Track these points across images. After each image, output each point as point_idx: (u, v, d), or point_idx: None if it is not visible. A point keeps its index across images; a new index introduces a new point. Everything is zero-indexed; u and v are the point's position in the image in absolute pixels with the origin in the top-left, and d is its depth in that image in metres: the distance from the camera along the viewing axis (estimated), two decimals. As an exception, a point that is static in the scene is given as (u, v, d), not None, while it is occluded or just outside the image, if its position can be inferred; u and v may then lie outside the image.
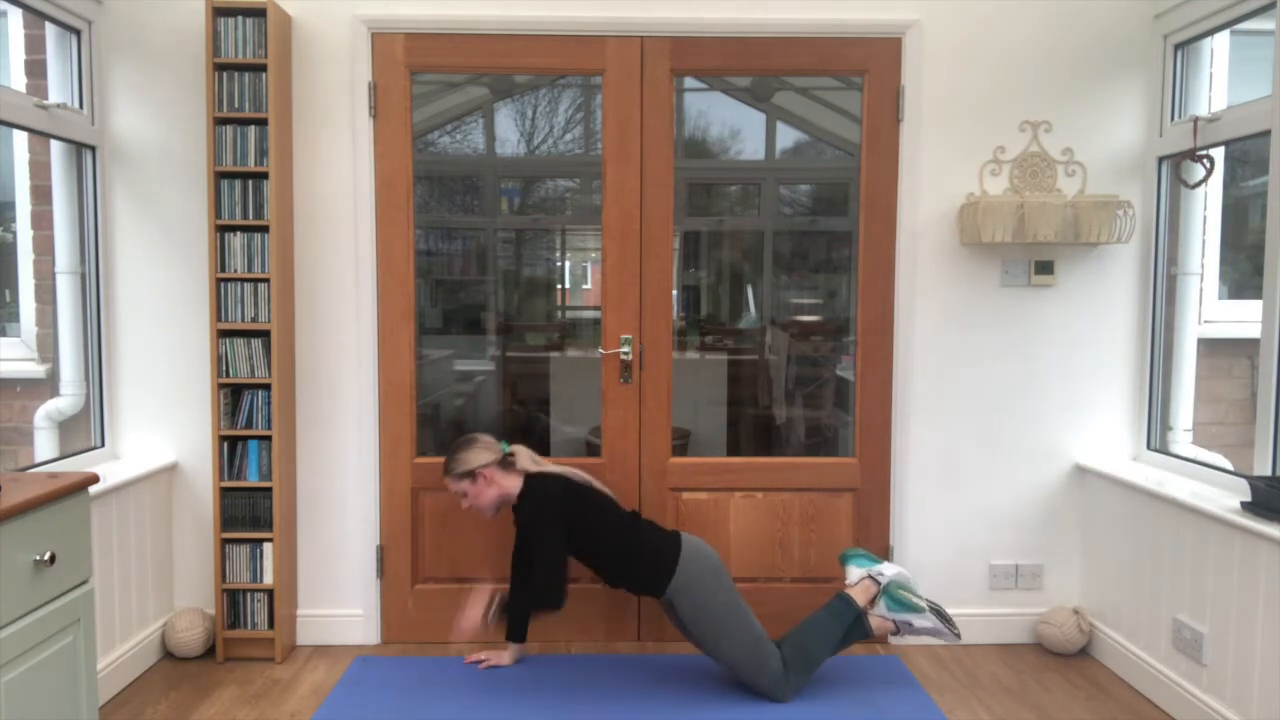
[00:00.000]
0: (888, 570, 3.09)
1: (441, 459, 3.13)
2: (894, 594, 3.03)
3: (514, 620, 3.20)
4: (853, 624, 3.00)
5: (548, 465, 3.13)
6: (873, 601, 3.05)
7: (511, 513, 3.10)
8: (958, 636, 3.02)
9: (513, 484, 3.05)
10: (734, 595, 2.98)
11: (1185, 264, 3.45)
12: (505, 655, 3.23)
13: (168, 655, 3.33)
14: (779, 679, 2.94)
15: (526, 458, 3.11)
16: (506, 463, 3.08)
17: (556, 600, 2.93)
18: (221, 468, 3.22)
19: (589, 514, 3.01)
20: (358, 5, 3.29)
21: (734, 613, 2.95)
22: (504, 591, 3.10)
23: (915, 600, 3.02)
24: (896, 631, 3.04)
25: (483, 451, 3.05)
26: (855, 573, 3.11)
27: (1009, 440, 3.46)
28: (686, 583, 2.94)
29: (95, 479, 2.16)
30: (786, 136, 4.23)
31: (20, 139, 3.79)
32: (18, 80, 3.69)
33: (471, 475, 3.03)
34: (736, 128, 4.19)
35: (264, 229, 3.18)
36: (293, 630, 3.42)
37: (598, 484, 3.13)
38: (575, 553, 3.01)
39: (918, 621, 3.02)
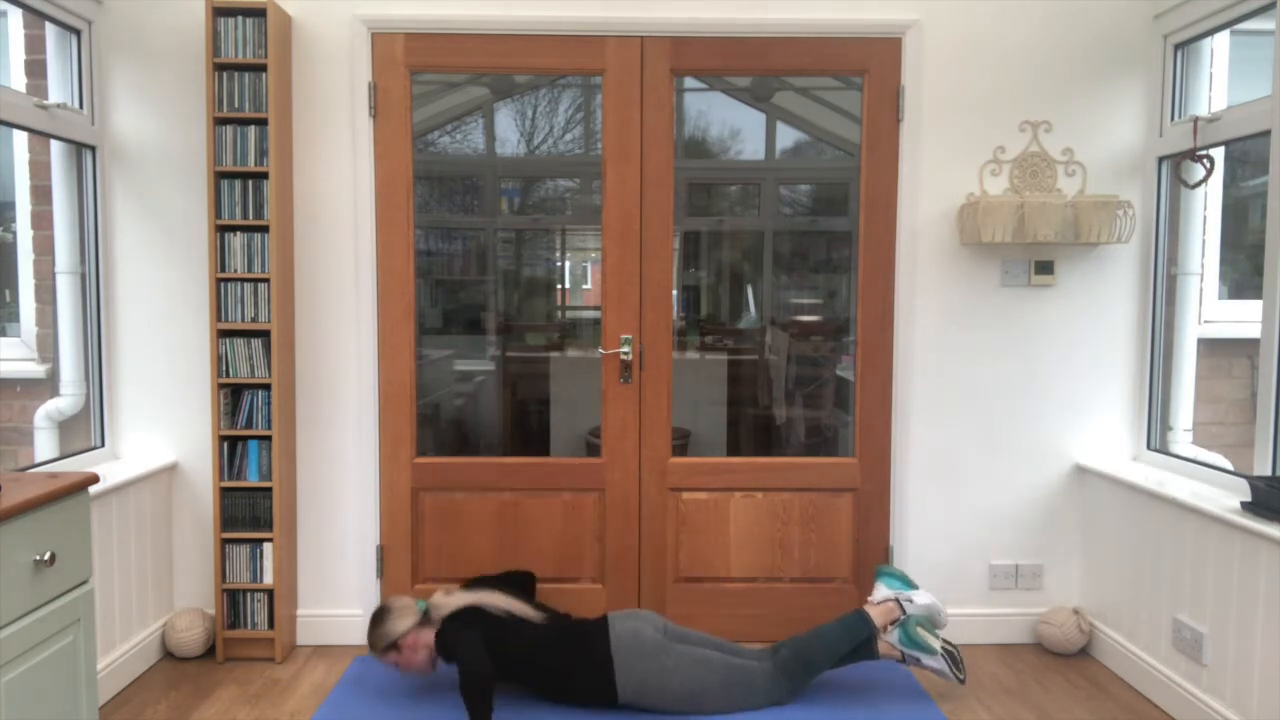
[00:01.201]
0: (919, 599, 3.02)
1: (442, 459, 3.13)
2: (911, 631, 2.98)
3: None
4: (863, 643, 2.97)
5: (467, 598, 2.96)
6: (889, 626, 3.01)
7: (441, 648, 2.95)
8: (961, 682, 2.98)
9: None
10: (684, 657, 2.87)
11: (1185, 264, 3.45)
12: None
13: (168, 655, 3.33)
14: (770, 690, 2.91)
15: (444, 604, 2.95)
16: (427, 620, 2.95)
17: (477, 677, 2.74)
18: (221, 468, 3.22)
19: (506, 642, 2.87)
20: (358, 5, 3.30)
21: (697, 677, 2.86)
22: None
23: (930, 642, 2.97)
24: (902, 660, 3.01)
25: (399, 619, 2.93)
26: (883, 591, 3.07)
27: (1009, 440, 3.46)
28: (636, 687, 2.84)
29: (95, 479, 2.16)
30: (786, 136, 4.23)
31: (20, 139, 3.79)
32: (18, 80, 3.69)
33: (396, 647, 2.92)
34: (736, 128, 4.19)
35: (264, 229, 3.18)
36: (293, 630, 3.42)
37: (518, 606, 2.95)
38: (515, 680, 2.92)
39: (926, 660, 2.97)
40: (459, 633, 2.87)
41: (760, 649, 3.01)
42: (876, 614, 3.01)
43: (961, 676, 2.97)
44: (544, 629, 2.95)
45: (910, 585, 3.10)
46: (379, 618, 2.96)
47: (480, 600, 2.96)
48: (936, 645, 2.97)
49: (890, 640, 3.00)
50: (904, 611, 3.01)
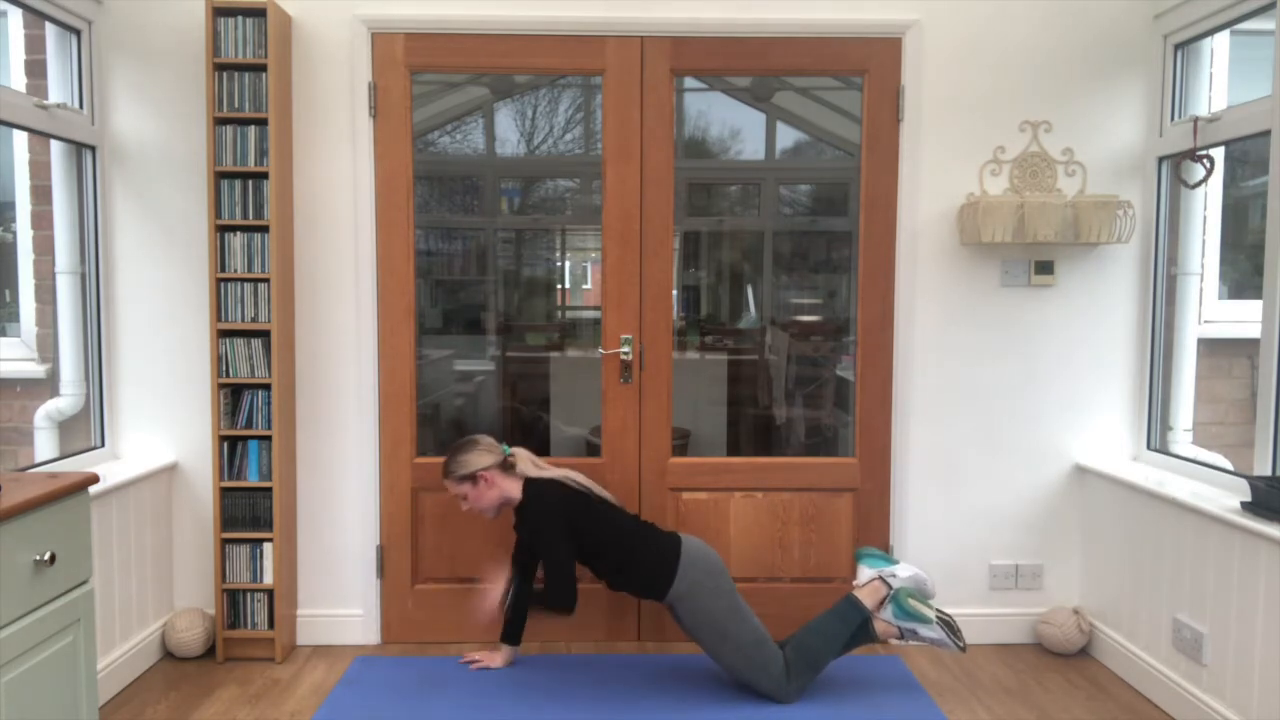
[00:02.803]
0: (901, 572, 3.06)
1: (442, 459, 3.13)
2: (903, 603, 3.01)
3: (511, 622, 3.21)
4: (859, 627, 2.99)
5: (548, 469, 3.12)
6: (881, 604, 3.04)
7: (513, 514, 3.10)
8: (962, 649, 2.98)
9: (513, 487, 3.05)
10: (734, 598, 2.97)
11: (1185, 264, 3.45)
12: (497, 657, 3.22)
13: (168, 655, 3.33)
14: (780, 681, 2.93)
15: (527, 461, 3.11)
16: (507, 465, 3.09)
17: (568, 603, 2.94)
18: (221, 468, 3.22)
19: (588, 520, 3.01)
20: (358, 5, 3.30)
21: (734, 617, 2.94)
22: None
23: (924, 611, 2.99)
24: (900, 637, 3.03)
25: (484, 454, 3.05)
26: (866, 573, 3.09)
27: (1009, 440, 3.46)
28: (686, 589, 2.94)
29: (95, 479, 2.16)
30: (786, 136, 4.23)
31: (20, 139, 3.79)
32: (18, 80, 3.69)
33: (473, 478, 3.03)
34: (736, 128, 4.19)
35: (264, 229, 3.18)
36: (293, 630, 3.42)
37: (597, 488, 3.12)
38: (578, 557, 3.01)
39: (923, 631, 2.99)
40: (552, 512, 2.97)
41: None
42: (864, 596, 3.03)
43: (961, 644, 2.97)
44: (624, 518, 3.09)
45: (890, 561, 3.13)
46: (465, 447, 3.07)
47: (569, 475, 3.08)
48: (931, 613, 3.00)
49: (885, 617, 3.02)
50: (890, 587, 3.03)
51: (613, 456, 3.46)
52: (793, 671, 2.94)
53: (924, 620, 2.99)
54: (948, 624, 3.00)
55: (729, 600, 2.95)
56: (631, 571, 3.01)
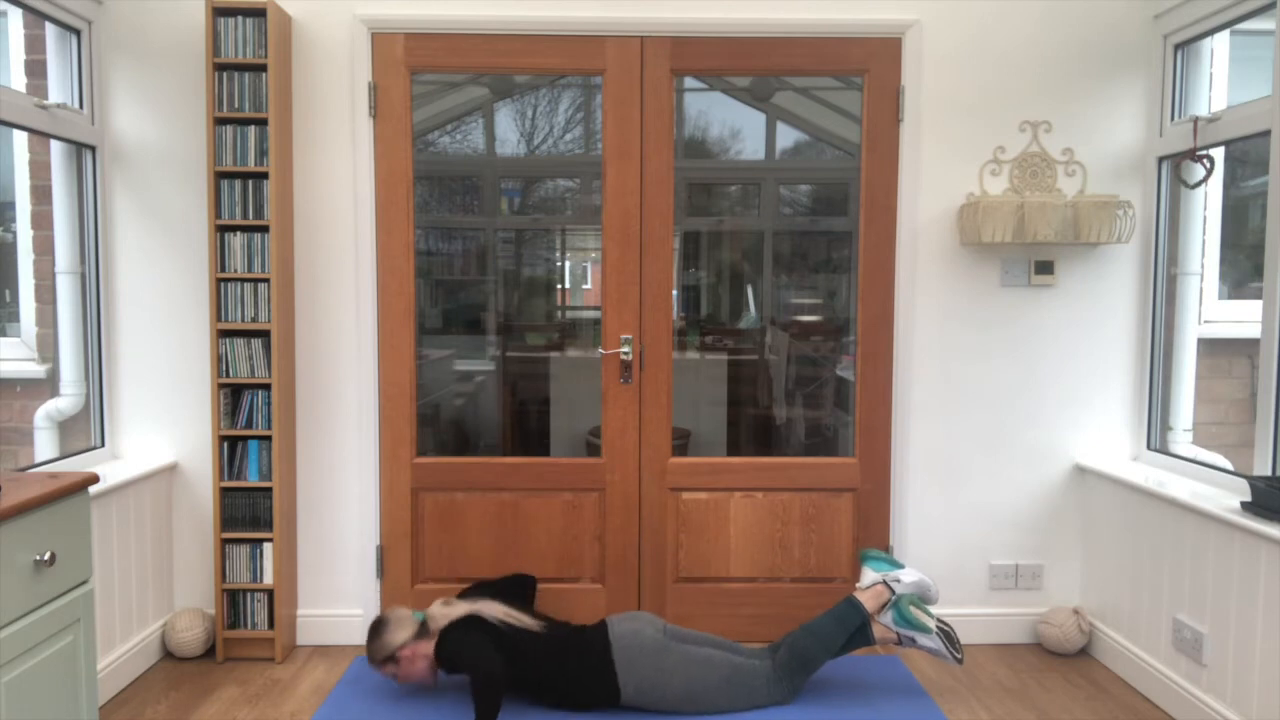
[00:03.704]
0: (906, 577, 3.04)
1: (442, 459, 3.13)
2: (904, 610, 3.00)
3: None
4: (857, 630, 2.98)
5: (457, 609, 2.96)
6: (882, 608, 3.03)
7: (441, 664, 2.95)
8: (959, 661, 2.98)
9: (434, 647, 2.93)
10: (685, 657, 2.87)
11: (1185, 264, 3.44)
12: None
13: (168, 655, 3.32)
14: (771, 689, 2.92)
15: (442, 615, 2.96)
16: (424, 631, 2.95)
17: (490, 679, 2.72)
18: (221, 468, 3.22)
19: (510, 653, 2.85)
20: (358, 5, 3.30)
21: (696, 677, 2.86)
22: None
23: (925, 620, 2.98)
24: (898, 643, 3.02)
25: (396, 631, 2.93)
26: (870, 576, 3.07)
27: (1009, 440, 3.46)
28: (635, 692, 2.85)
29: (95, 479, 2.16)
30: (786, 136, 4.23)
31: (20, 139, 3.79)
32: (18, 80, 3.69)
33: (394, 659, 2.92)
34: (736, 128, 4.18)
35: (264, 229, 3.18)
36: (293, 630, 3.42)
37: (515, 616, 2.94)
38: (515, 689, 2.90)
39: (922, 640, 2.98)
40: (462, 638, 2.86)
41: (759, 649, 3.02)
42: (866, 599, 3.01)
43: (959, 656, 2.96)
44: (542, 637, 2.93)
45: (896, 565, 3.11)
46: (376, 630, 2.96)
47: (478, 609, 2.95)
48: (931, 624, 2.98)
49: (885, 622, 3.01)
50: (893, 592, 3.02)
51: (613, 456, 3.46)
52: (785, 671, 2.94)
53: (924, 629, 2.98)
54: (947, 634, 2.99)
55: (683, 668, 2.86)
56: (573, 690, 2.88)
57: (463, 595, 3.11)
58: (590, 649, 2.90)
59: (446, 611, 2.97)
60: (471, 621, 2.92)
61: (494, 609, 2.95)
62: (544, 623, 3.00)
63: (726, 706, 2.90)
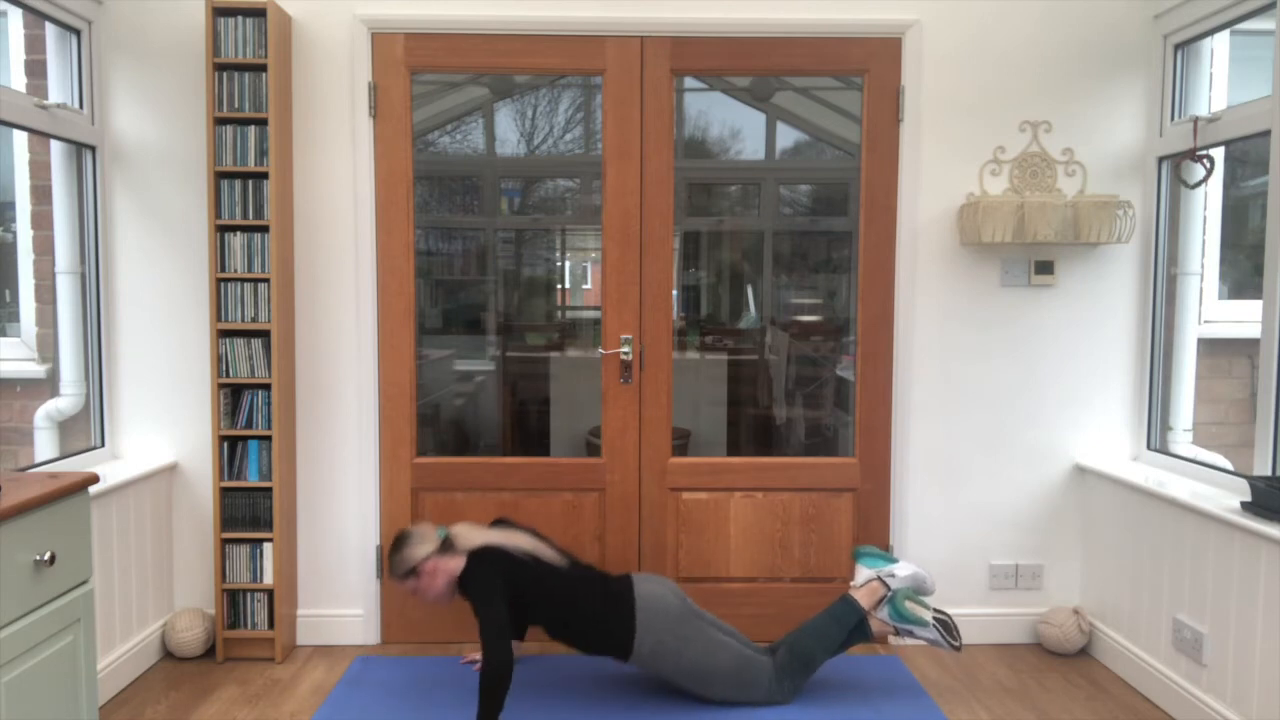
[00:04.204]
0: (900, 571, 3.04)
1: (442, 459, 3.12)
2: (899, 606, 3.00)
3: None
4: (854, 628, 2.99)
5: (491, 536, 2.97)
6: (878, 604, 3.03)
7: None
8: (958, 650, 2.99)
9: (458, 565, 2.91)
10: (701, 633, 2.89)
11: (1185, 264, 3.44)
12: None
13: (168, 655, 3.33)
14: (773, 688, 2.92)
15: (466, 536, 2.96)
16: (447, 547, 2.94)
17: (498, 676, 2.66)
18: (221, 468, 3.22)
19: (531, 587, 2.88)
20: (358, 5, 3.30)
21: (709, 656, 2.87)
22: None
23: (921, 614, 2.98)
24: (896, 634, 3.03)
25: (419, 545, 2.93)
26: (864, 573, 3.07)
27: (1009, 440, 3.46)
28: (649, 653, 2.86)
29: (95, 479, 2.16)
30: (786, 136, 4.23)
31: (20, 139, 3.79)
32: (18, 80, 3.69)
33: (415, 572, 2.92)
34: (736, 128, 4.19)
35: (264, 229, 3.18)
36: (293, 630, 3.42)
37: (544, 550, 2.96)
38: (535, 623, 2.93)
39: (919, 632, 2.99)
40: (485, 583, 2.83)
41: (760, 648, 3.02)
42: (862, 596, 3.01)
43: (956, 644, 2.97)
44: (567, 575, 2.95)
45: (889, 560, 3.10)
46: (399, 543, 2.96)
47: (505, 541, 2.95)
48: (927, 616, 2.99)
49: (881, 618, 3.02)
50: (888, 588, 3.02)
51: (613, 456, 3.46)
52: (786, 672, 2.94)
53: (920, 623, 2.99)
54: (944, 624, 3.00)
55: (697, 641, 2.87)
56: (587, 633, 2.90)
57: (493, 525, 3.12)
58: (615, 599, 2.90)
59: (472, 535, 2.97)
60: (496, 554, 2.90)
61: (521, 541, 2.97)
62: (570, 561, 3.01)
63: (727, 694, 2.91)
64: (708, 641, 2.89)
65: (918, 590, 3.04)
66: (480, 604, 2.79)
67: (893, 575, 3.04)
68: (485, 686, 2.66)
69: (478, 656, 3.23)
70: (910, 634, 3.00)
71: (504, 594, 2.81)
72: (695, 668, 2.87)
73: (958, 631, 3.01)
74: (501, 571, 2.86)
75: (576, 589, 2.92)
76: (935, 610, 3.02)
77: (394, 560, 2.96)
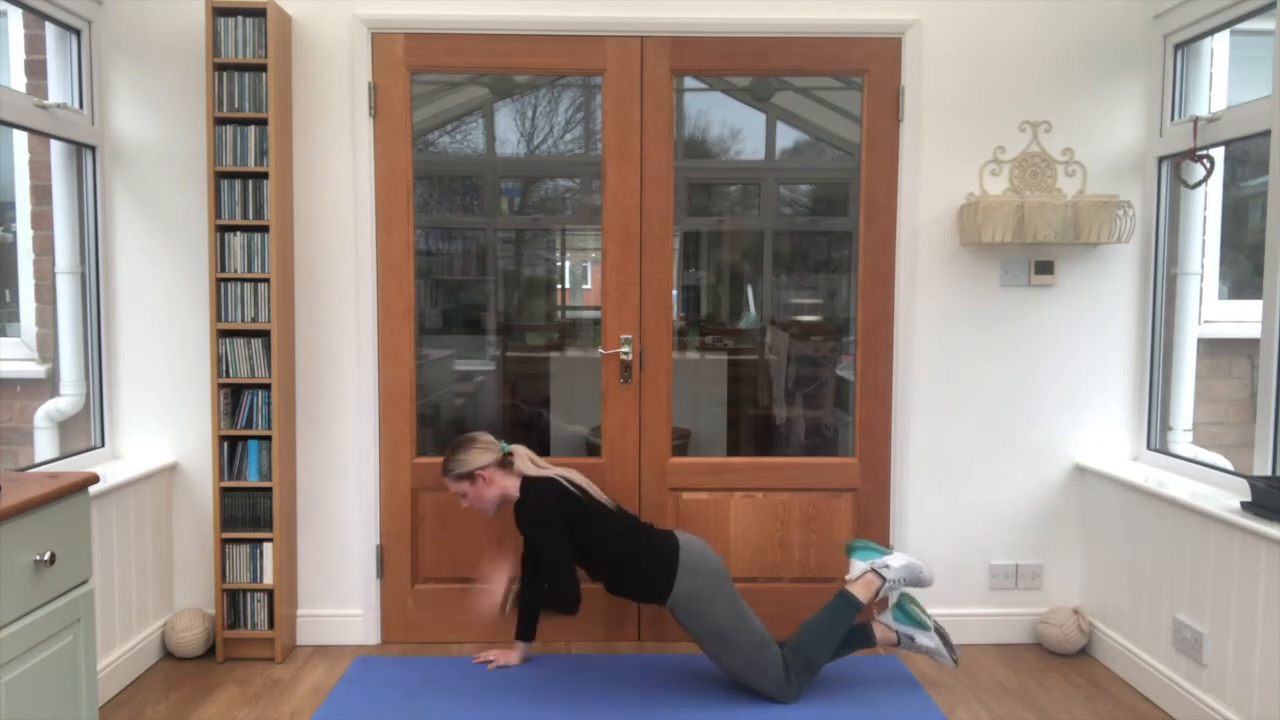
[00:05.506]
0: (894, 562, 3.05)
1: (442, 459, 3.13)
2: (905, 606, 3.04)
3: (524, 618, 3.21)
4: (854, 628, 3.00)
5: (547, 467, 3.11)
6: (881, 602, 3.03)
7: (513, 511, 3.09)
8: (955, 663, 3.03)
9: (511, 485, 3.04)
10: (735, 600, 2.96)
11: (1185, 264, 3.45)
12: (514, 655, 3.22)
13: (168, 655, 3.33)
14: (781, 682, 2.93)
15: (525, 459, 3.09)
16: (505, 463, 3.07)
17: (570, 605, 2.91)
18: (221, 468, 3.22)
19: (583, 521, 2.98)
20: (358, 5, 3.30)
21: (735, 620, 2.92)
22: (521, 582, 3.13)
23: (924, 617, 3.03)
24: (897, 643, 3.05)
25: (482, 452, 3.04)
26: (858, 566, 3.08)
27: (1009, 440, 3.46)
28: (686, 594, 2.93)
29: (95, 479, 2.16)
30: (786, 136, 4.23)
31: (20, 139, 3.79)
32: (18, 80, 3.69)
33: (470, 476, 3.02)
34: (736, 128, 4.18)
35: (264, 229, 3.18)
36: (293, 630, 3.42)
37: (595, 490, 3.08)
38: (579, 559, 2.99)
39: (920, 638, 3.02)
40: (542, 510, 2.95)
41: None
42: (858, 589, 3.02)
43: (955, 657, 3.01)
44: (617, 515, 3.06)
45: (882, 552, 3.11)
46: (462, 445, 3.05)
47: (564, 475, 3.04)
48: (930, 621, 3.02)
49: (885, 620, 3.05)
50: (883, 579, 3.02)
51: (613, 456, 3.46)
52: (791, 672, 2.95)
53: (923, 626, 3.02)
54: (943, 635, 3.03)
55: (729, 603, 2.93)
56: (627, 574, 2.99)
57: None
58: (661, 541, 3.00)
59: (536, 462, 3.09)
60: (553, 486, 2.99)
61: (577, 477, 3.07)
62: (617, 505, 3.13)
63: (738, 668, 2.94)
64: (739, 608, 2.95)
65: (914, 581, 3.05)
66: (540, 541, 2.94)
67: (887, 566, 3.04)
68: (547, 608, 2.98)
69: (493, 656, 3.23)
70: (911, 641, 3.03)
71: (564, 529, 2.93)
72: (722, 629, 2.91)
73: (954, 645, 3.06)
74: (559, 506, 2.96)
75: (625, 530, 3.03)
76: (935, 621, 3.07)
77: (452, 460, 3.04)
